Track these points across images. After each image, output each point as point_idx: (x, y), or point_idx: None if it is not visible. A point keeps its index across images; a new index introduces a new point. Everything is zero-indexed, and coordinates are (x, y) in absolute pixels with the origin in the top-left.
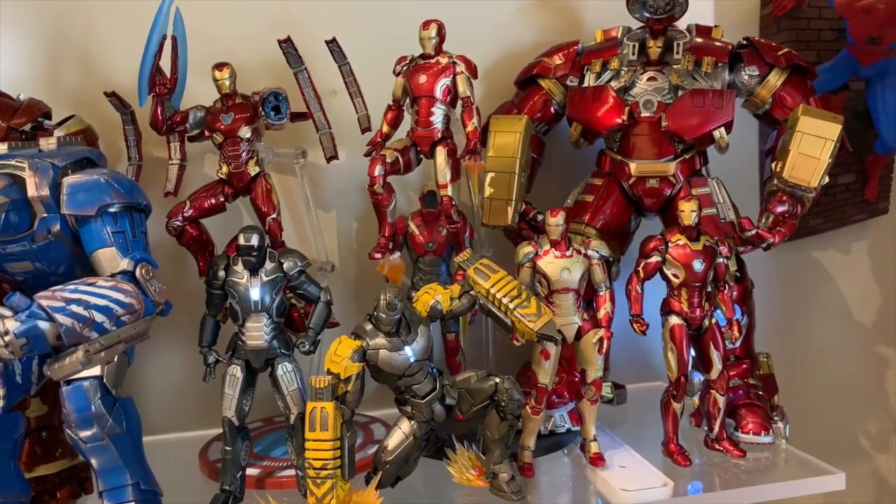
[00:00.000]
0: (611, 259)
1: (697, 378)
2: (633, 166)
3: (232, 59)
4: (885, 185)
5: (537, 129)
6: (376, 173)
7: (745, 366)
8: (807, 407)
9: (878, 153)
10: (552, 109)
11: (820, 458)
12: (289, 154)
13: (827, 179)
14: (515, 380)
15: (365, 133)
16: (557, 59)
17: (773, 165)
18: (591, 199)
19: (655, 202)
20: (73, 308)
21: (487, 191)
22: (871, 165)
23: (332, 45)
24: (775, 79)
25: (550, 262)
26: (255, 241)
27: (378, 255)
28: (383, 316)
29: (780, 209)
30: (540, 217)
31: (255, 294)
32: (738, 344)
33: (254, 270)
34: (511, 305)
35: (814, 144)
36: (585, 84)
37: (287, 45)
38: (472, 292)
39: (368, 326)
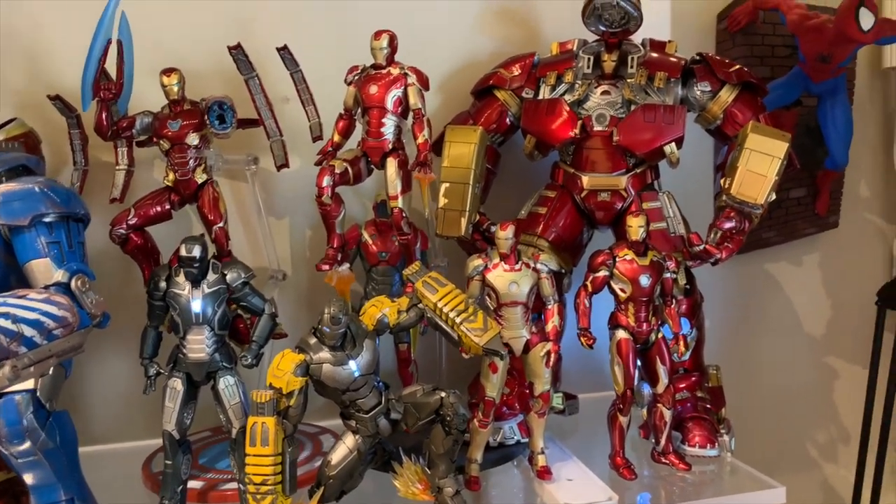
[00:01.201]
0: (562, 271)
1: (647, 390)
2: (586, 180)
3: (184, 64)
4: (836, 200)
5: (493, 140)
6: (324, 184)
7: (693, 378)
8: (757, 418)
9: (828, 169)
10: (507, 121)
11: (769, 470)
12: (240, 161)
13: (774, 196)
14: (468, 390)
15: (316, 142)
16: (513, 71)
17: (721, 181)
18: (544, 211)
19: (607, 215)
20: (0, 322)
21: (441, 201)
22: (822, 180)
23: (284, 52)
24: (726, 95)
25: (499, 276)
26: (196, 252)
27: (325, 267)
28: (327, 330)
29: (727, 225)
30: (494, 228)
31: (196, 306)
32: (686, 357)
33: (196, 282)
34: (458, 320)
35: (761, 162)
36: (540, 96)
37: (237, 52)
38: (420, 305)
39: (312, 340)
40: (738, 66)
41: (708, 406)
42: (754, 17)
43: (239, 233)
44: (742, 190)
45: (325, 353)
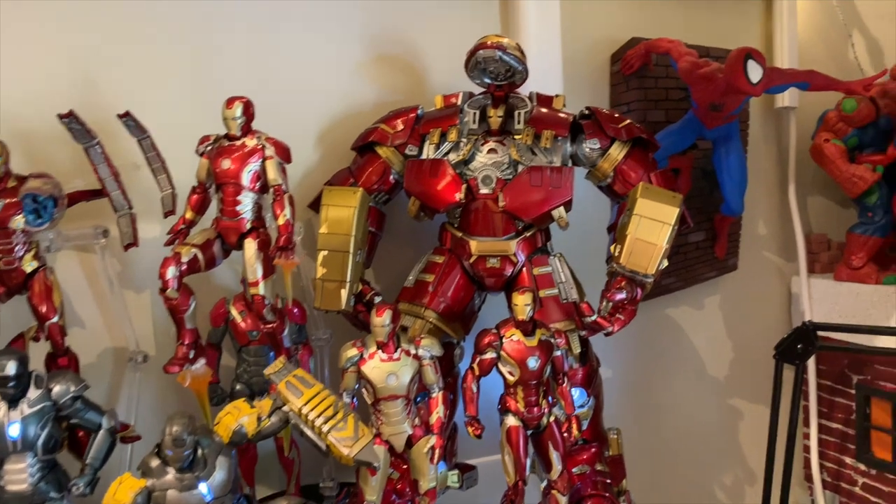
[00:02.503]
0: (453, 342)
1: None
2: (474, 245)
3: (19, 125)
4: (734, 242)
5: (376, 199)
6: (168, 276)
7: (593, 450)
8: (664, 462)
9: (724, 215)
10: (392, 178)
11: None
12: (86, 235)
13: (666, 264)
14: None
15: (168, 217)
16: (396, 126)
17: (611, 248)
18: (431, 278)
19: (497, 282)
20: None
21: (319, 271)
22: (720, 224)
23: (127, 119)
24: (616, 152)
25: (376, 367)
26: (11, 369)
27: (175, 369)
28: (170, 453)
29: (618, 297)
30: (378, 299)
31: (13, 431)
32: (585, 427)
33: (13, 402)
34: (325, 428)
35: (651, 229)
36: (424, 154)
37: (70, 120)
38: (284, 408)
39: (155, 462)
40: (627, 122)
41: (608, 481)
42: (647, 60)
43: (93, 310)
44: (632, 260)
45: (170, 477)
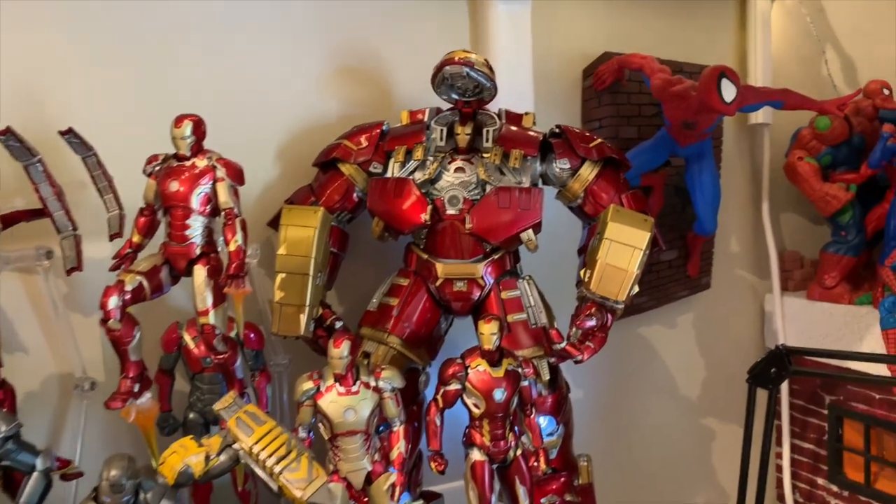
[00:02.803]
0: (418, 368)
1: None
2: (440, 267)
3: None
4: (707, 260)
5: (339, 218)
6: (111, 306)
7: (562, 479)
8: (638, 483)
9: (696, 233)
10: (355, 197)
11: None
12: (28, 256)
13: (637, 289)
14: None
15: (115, 239)
16: (360, 143)
17: (581, 273)
18: (395, 302)
19: (464, 306)
20: None
21: (277, 294)
22: (693, 242)
23: (70, 136)
24: (587, 172)
25: (333, 401)
26: None
27: (117, 405)
28: (107, 500)
29: (588, 324)
30: (339, 324)
31: None
32: (553, 456)
33: None
34: (277, 469)
35: (622, 254)
36: (389, 173)
37: (6, 137)
38: (234, 446)
39: None
40: (598, 141)
41: None
42: (619, 75)
43: (36, 335)
44: (602, 285)
45: None
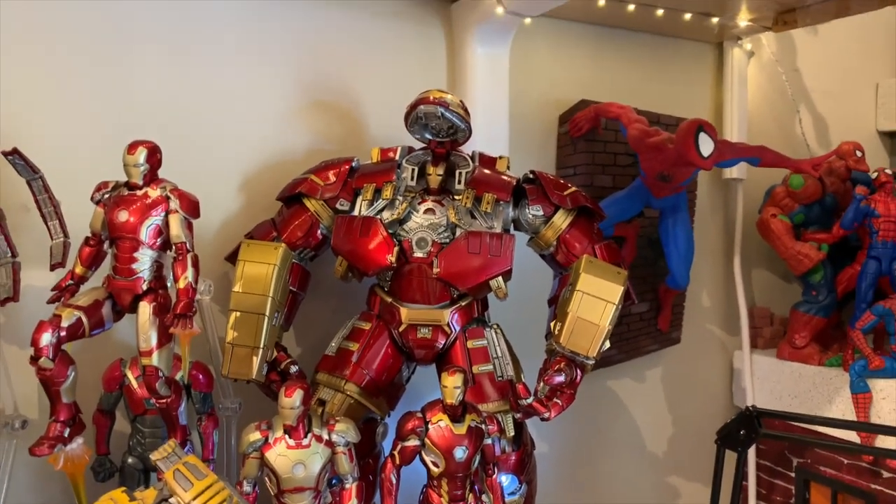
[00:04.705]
0: (376, 418)
1: None
2: (404, 312)
3: None
4: (678, 314)
5: (301, 255)
6: (43, 343)
7: None
8: None
9: (668, 287)
10: (319, 234)
11: None
12: None
13: (608, 345)
14: None
15: (56, 269)
16: (328, 178)
17: (552, 325)
18: (355, 347)
19: (428, 354)
20: None
21: (230, 334)
22: (664, 296)
23: (14, 157)
24: (560, 220)
25: (281, 455)
26: None
27: (44, 451)
28: None
29: (557, 380)
30: (294, 368)
31: None
32: None
33: None
34: None
35: (594, 308)
36: (357, 211)
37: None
38: (171, 500)
39: None
40: (573, 189)
41: None
42: (596, 123)
43: None
44: (573, 340)
45: None
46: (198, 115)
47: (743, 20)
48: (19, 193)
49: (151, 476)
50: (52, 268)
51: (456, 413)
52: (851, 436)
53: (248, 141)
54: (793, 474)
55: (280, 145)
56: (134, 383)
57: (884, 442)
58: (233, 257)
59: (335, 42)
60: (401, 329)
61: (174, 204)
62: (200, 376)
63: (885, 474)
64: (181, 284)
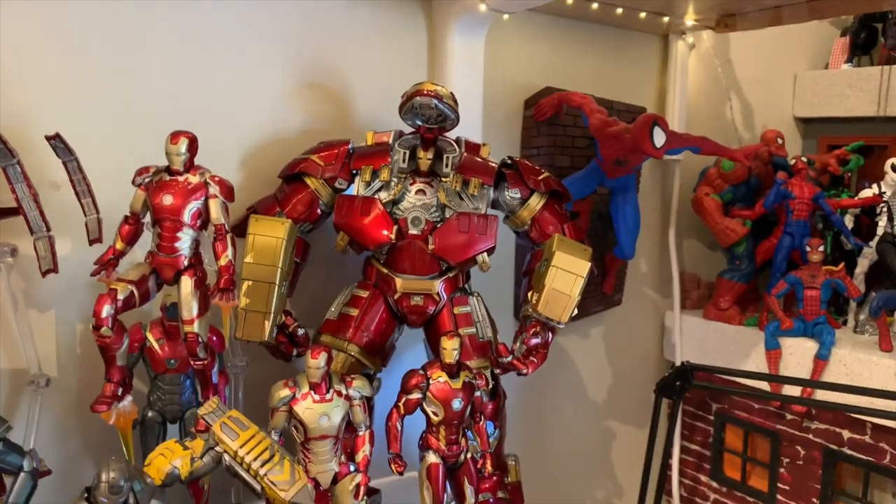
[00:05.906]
0: (371, 373)
1: None
2: (399, 282)
3: None
4: (620, 279)
5: (301, 229)
6: (104, 314)
7: (495, 478)
8: (549, 479)
9: (616, 257)
10: (319, 210)
11: None
12: None
13: (576, 312)
14: None
15: (94, 244)
16: (328, 159)
17: (529, 295)
18: (355, 312)
19: (419, 319)
20: None
21: (243, 301)
22: (611, 263)
23: (56, 140)
24: (535, 202)
25: (308, 408)
26: None
27: (102, 408)
28: (104, 501)
29: (533, 342)
30: (301, 331)
31: None
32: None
33: None
34: (262, 471)
35: (566, 280)
36: (354, 190)
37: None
38: (217, 449)
39: None
40: (545, 175)
41: None
42: (558, 109)
43: None
44: (548, 308)
45: None
46: (199, 100)
47: (689, 20)
48: (47, 172)
49: (170, 428)
50: (91, 243)
51: (452, 370)
52: (763, 385)
53: (246, 122)
54: (712, 417)
55: (275, 126)
56: (155, 345)
57: (790, 391)
58: (237, 230)
59: (326, 28)
60: (396, 297)
61: (213, 189)
62: (214, 338)
63: (789, 416)
64: (223, 262)
